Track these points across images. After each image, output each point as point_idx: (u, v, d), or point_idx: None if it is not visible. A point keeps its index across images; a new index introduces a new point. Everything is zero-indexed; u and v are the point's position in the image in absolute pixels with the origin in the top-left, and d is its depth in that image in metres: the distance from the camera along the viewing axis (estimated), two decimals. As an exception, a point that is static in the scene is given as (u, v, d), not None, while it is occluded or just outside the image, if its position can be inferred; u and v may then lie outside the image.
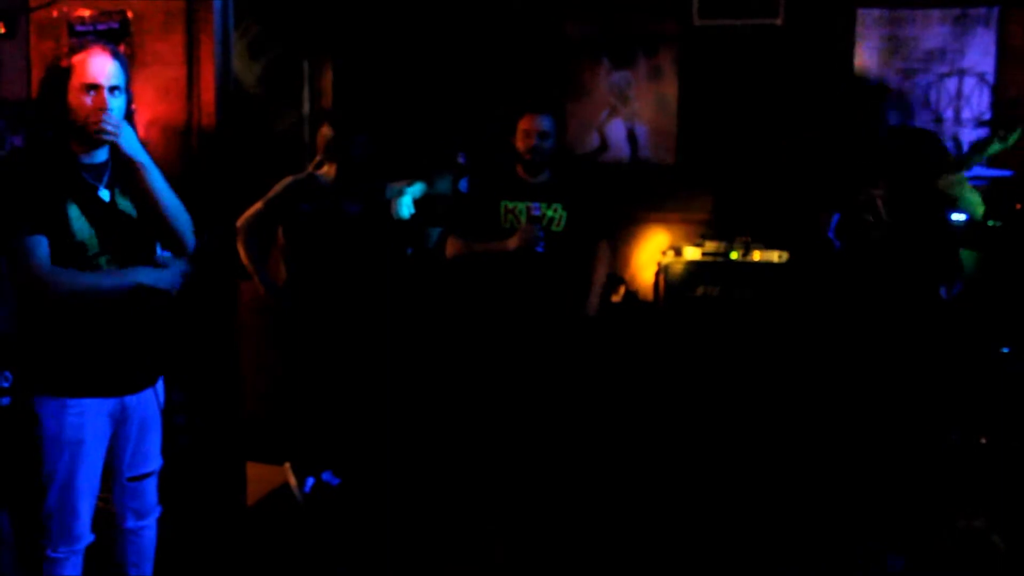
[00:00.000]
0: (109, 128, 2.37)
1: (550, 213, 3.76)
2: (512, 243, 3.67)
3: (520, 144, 3.76)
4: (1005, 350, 3.25)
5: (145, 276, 2.51)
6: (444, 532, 3.75)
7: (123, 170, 2.48)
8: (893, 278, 3.46)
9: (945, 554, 3.26)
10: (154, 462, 2.71)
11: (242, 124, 3.77)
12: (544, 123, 3.73)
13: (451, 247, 3.88)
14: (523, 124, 3.74)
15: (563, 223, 3.79)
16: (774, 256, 4.48)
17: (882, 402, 3.48)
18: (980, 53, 4.51)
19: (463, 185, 4.69)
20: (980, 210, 3.37)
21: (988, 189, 4.23)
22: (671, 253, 4.67)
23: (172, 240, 2.58)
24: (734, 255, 4.53)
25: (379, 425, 4.39)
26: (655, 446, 4.39)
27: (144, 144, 2.50)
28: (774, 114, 4.77)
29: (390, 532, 3.74)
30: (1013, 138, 3.41)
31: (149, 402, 2.62)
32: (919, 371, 3.43)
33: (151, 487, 2.72)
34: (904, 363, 3.44)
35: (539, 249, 3.65)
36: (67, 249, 2.40)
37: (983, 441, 3.25)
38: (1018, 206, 4.11)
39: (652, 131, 5.03)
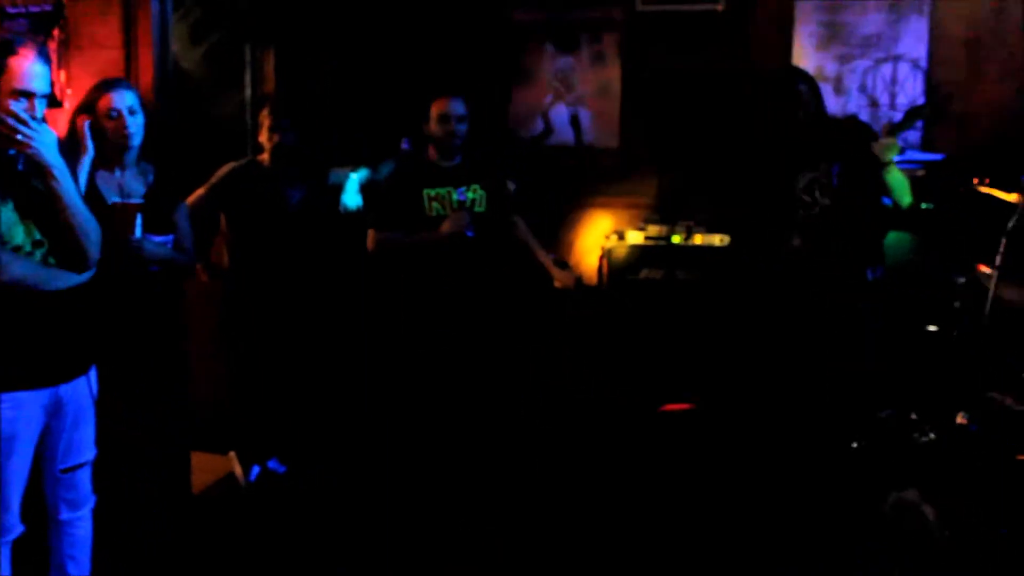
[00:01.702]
0: (21, 139, 2.32)
1: (471, 195, 3.76)
2: (444, 231, 3.67)
3: (437, 129, 3.70)
4: (932, 328, 3.37)
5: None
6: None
7: (36, 171, 2.41)
8: (826, 258, 3.54)
9: (879, 527, 3.35)
10: (88, 452, 2.67)
11: (182, 108, 3.73)
12: (459, 107, 3.70)
13: (376, 241, 3.77)
14: (438, 108, 3.69)
15: (484, 203, 3.79)
16: (716, 240, 4.56)
17: (815, 383, 3.56)
18: (914, 39, 4.61)
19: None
20: (907, 197, 3.47)
21: (922, 173, 4.36)
22: (614, 237, 4.72)
23: (75, 251, 2.47)
24: (676, 239, 4.60)
25: (324, 413, 4.37)
26: (617, 433, 4.40)
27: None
28: (716, 99, 4.84)
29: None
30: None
31: (83, 392, 2.59)
32: (849, 352, 3.51)
33: (85, 478, 2.69)
34: (834, 343, 3.52)
35: (469, 233, 3.66)
36: None
37: (913, 417, 3.35)
38: (962, 190, 4.23)
39: (596, 116, 5.07)
